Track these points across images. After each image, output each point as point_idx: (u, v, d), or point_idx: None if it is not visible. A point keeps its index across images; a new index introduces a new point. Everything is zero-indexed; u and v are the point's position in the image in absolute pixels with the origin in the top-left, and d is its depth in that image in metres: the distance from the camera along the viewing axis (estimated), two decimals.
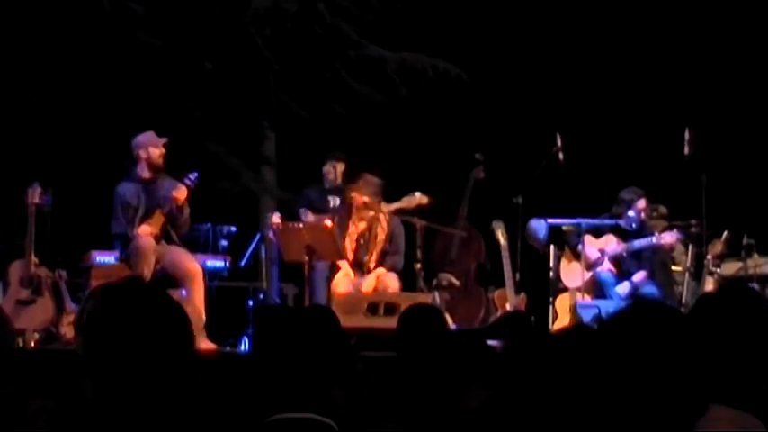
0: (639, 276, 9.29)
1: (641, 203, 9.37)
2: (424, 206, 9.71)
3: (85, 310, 4.06)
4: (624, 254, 9.35)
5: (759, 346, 2.61)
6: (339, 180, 10.29)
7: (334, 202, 10.10)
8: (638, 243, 9.27)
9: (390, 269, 9.27)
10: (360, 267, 9.30)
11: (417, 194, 9.65)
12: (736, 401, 2.40)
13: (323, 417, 2.86)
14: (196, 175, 8.66)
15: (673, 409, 2.18)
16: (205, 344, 8.39)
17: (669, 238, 9.21)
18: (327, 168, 10.36)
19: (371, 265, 9.29)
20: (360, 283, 9.23)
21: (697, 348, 2.24)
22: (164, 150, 8.65)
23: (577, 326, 3.96)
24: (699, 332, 2.29)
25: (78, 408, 2.29)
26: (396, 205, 9.65)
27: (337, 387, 2.97)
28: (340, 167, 10.34)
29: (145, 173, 8.64)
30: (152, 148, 8.65)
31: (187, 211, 8.68)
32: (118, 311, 2.25)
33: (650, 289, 9.25)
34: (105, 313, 2.27)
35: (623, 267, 9.41)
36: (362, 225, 9.31)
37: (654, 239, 9.20)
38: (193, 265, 8.62)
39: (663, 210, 9.76)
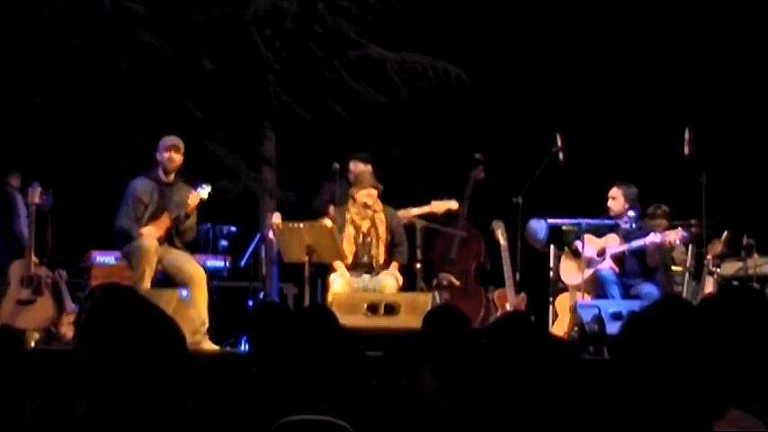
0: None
1: (611, 191, 9.44)
2: (454, 211, 9.80)
3: (85, 310, 4.06)
4: (626, 253, 9.36)
5: (761, 347, 2.61)
6: None
7: None
8: (638, 242, 9.27)
9: (400, 263, 9.28)
10: (362, 267, 9.26)
11: (445, 200, 9.72)
12: (737, 402, 2.40)
13: (339, 420, 2.84)
14: (209, 187, 8.71)
15: (694, 408, 2.18)
16: (207, 346, 8.41)
17: (674, 235, 9.19)
18: (367, 167, 10.16)
19: (380, 259, 9.26)
20: (362, 282, 9.20)
21: (710, 349, 2.23)
22: (172, 155, 8.67)
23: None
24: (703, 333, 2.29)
25: (71, 423, 2.27)
26: (426, 209, 9.71)
27: (356, 391, 2.95)
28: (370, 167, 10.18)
29: (162, 175, 8.71)
30: (164, 152, 8.70)
31: (194, 219, 8.73)
32: (110, 327, 2.22)
33: (649, 289, 9.26)
34: (97, 330, 2.24)
35: (625, 266, 9.41)
36: (366, 224, 9.27)
37: (657, 237, 9.18)
38: (197, 269, 8.64)
39: (665, 208, 9.76)
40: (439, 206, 9.77)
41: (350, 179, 10.02)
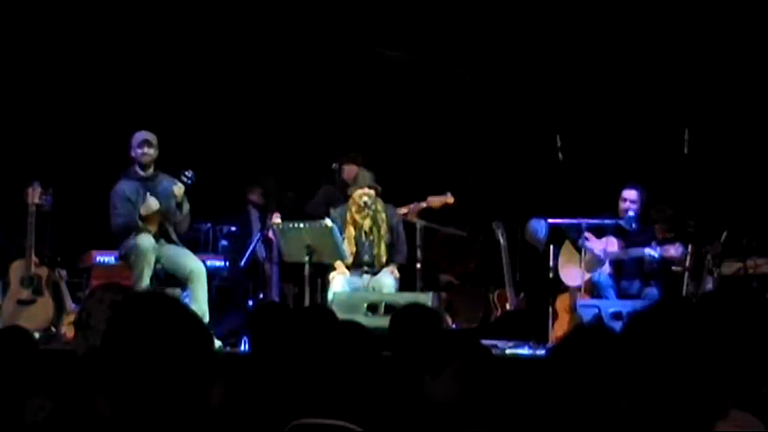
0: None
1: (627, 193, 9.40)
2: (450, 205, 9.80)
3: (85, 310, 4.07)
4: (625, 258, 9.35)
5: (759, 346, 2.61)
6: None
7: None
8: (637, 251, 9.26)
9: (400, 262, 9.28)
10: (363, 266, 9.26)
11: (441, 195, 9.75)
12: (736, 401, 2.40)
13: (352, 424, 2.83)
14: (192, 172, 8.69)
15: (697, 408, 2.18)
16: None
17: (674, 251, 9.20)
18: (354, 169, 10.20)
19: (382, 258, 9.26)
20: (362, 281, 9.20)
21: (711, 347, 2.23)
22: (145, 150, 8.68)
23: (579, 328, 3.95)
24: (701, 331, 2.29)
25: (92, 422, 2.26)
26: (422, 205, 9.73)
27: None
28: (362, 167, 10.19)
29: (140, 171, 8.72)
30: (137, 148, 8.73)
31: (186, 207, 8.70)
32: (137, 328, 2.21)
33: (650, 289, 9.26)
34: (123, 330, 2.22)
35: (624, 269, 9.41)
36: (368, 223, 9.27)
37: (655, 252, 9.18)
38: (196, 263, 8.65)
39: (668, 211, 9.75)
40: (435, 201, 9.78)
41: (345, 180, 10.02)
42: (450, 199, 9.86)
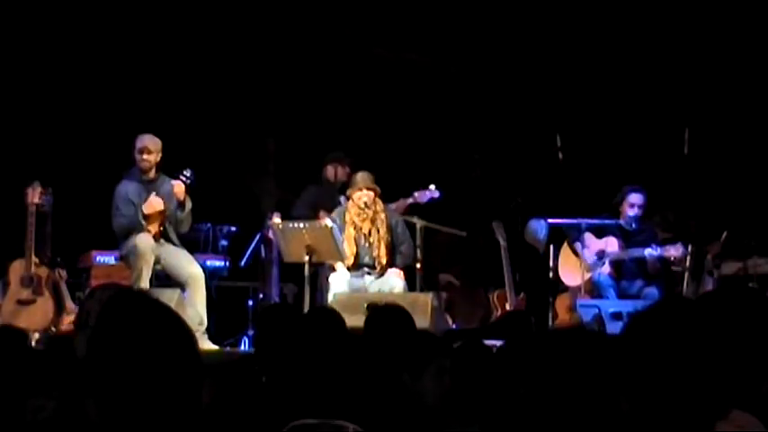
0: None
1: (635, 198, 9.37)
2: (436, 199, 9.77)
3: (85, 310, 4.07)
4: (626, 258, 9.34)
5: (759, 346, 2.61)
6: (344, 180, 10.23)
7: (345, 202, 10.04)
8: (638, 252, 9.25)
9: (402, 264, 9.25)
10: (364, 267, 9.25)
11: (426, 189, 9.71)
12: (736, 401, 2.40)
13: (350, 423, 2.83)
14: (191, 171, 8.66)
15: (697, 408, 2.18)
16: (206, 345, 8.40)
17: (674, 251, 9.19)
18: (337, 169, 10.21)
19: (383, 260, 9.23)
20: (367, 282, 9.19)
21: (711, 347, 2.23)
22: (144, 157, 8.65)
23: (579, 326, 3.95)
24: (700, 331, 2.29)
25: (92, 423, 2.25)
26: (408, 201, 9.70)
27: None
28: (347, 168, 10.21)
29: (141, 174, 8.71)
30: (136, 154, 8.71)
31: (189, 205, 8.67)
32: (122, 330, 2.20)
33: (650, 289, 9.26)
34: (108, 333, 2.22)
35: (624, 269, 9.41)
36: (367, 225, 9.25)
37: (656, 251, 9.18)
38: (195, 269, 8.63)
39: (669, 212, 9.75)
40: (421, 196, 9.76)
41: (328, 180, 10.01)
42: (435, 193, 9.81)
